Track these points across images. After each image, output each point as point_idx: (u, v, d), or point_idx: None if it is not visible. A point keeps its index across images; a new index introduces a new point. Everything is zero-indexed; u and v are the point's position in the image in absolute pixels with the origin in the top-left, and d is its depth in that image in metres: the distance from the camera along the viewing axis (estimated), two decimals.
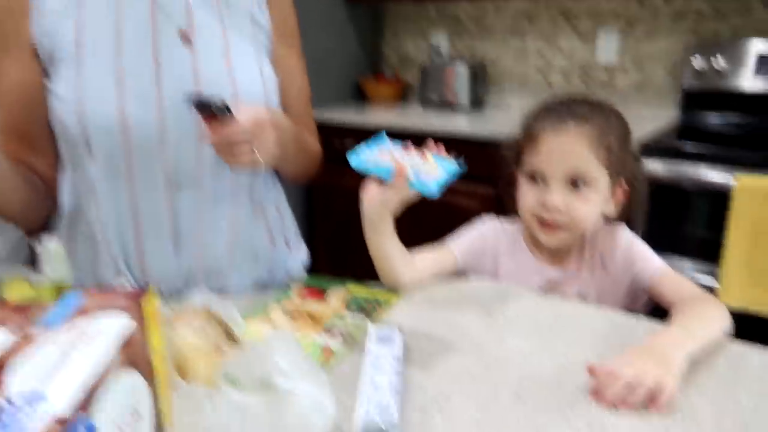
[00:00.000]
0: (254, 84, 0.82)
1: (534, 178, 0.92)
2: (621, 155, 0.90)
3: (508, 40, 2.59)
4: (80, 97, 0.74)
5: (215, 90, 0.77)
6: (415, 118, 2.38)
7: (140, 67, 0.76)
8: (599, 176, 0.88)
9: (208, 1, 0.81)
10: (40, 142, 0.81)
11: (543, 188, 0.91)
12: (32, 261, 0.86)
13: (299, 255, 1.02)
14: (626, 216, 0.97)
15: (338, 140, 2.23)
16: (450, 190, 2.45)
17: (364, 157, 0.76)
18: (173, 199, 0.80)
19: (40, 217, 0.85)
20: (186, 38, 0.78)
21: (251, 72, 0.82)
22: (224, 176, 0.83)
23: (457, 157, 0.82)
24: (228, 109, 0.68)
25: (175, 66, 0.77)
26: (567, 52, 2.45)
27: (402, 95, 2.86)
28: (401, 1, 2.72)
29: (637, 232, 0.98)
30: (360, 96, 2.86)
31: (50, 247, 0.81)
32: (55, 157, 0.83)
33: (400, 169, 0.74)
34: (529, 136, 0.93)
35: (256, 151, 0.72)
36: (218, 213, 0.84)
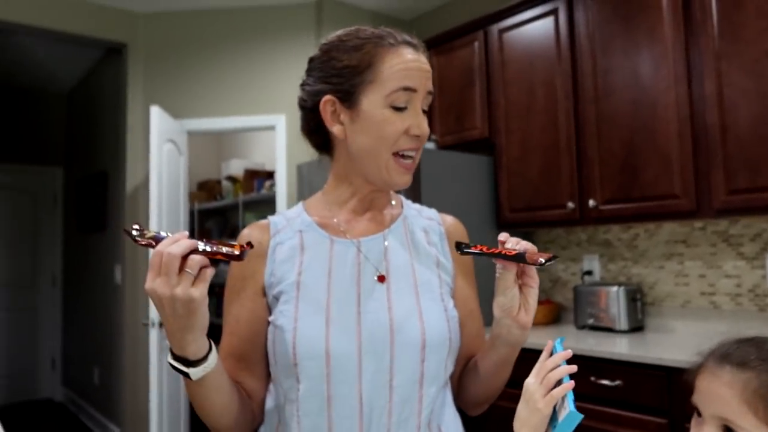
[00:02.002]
0: (439, 321, 0.91)
1: (698, 412, 0.88)
2: None
3: (663, 262, 2.57)
4: (295, 328, 0.88)
5: (405, 324, 0.88)
6: (572, 340, 2.34)
7: (345, 305, 0.89)
8: None
9: (402, 248, 0.97)
10: (254, 365, 0.95)
11: (700, 425, 0.85)
12: None
13: None
14: None
15: None
16: (616, 419, 2.28)
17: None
18: (362, 426, 0.86)
19: (240, 429, 0.94)
20: (382, 279, 0.92)
21: (437, 308, 0.93)
22: (411, 409, 0.88)
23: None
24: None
25: (371, 303, 0.90)
26: (732, 275, 2.36)
27: (555, 317, 2.85)
28: (552, 227, 2.87)
29: None
30: None
31: None
32: (264, 379, 0.96)
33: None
34: (695, 370, 0.91)
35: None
36: None
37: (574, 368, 0.78)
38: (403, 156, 0.91)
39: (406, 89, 0.88)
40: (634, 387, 2.01)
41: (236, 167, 5.04)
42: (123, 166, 3.81)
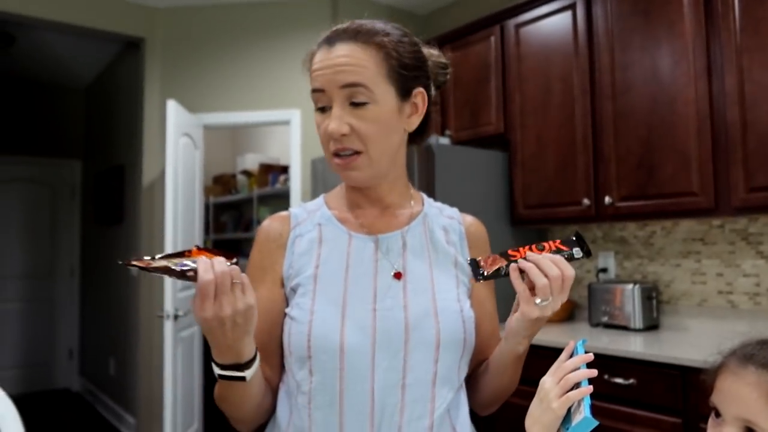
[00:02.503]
0: (455, 321, 0.91)
1: (716, 413, 0.87)
2: None
3: (680, 260, 2.54)
4: (311, 321, 0.88)
5: (420, 323, 0.88)
6: (586, 337, 2.32)
7: (361, 301, 0.90)
8: None
9: (420, 246, 0.97)
10: (271, 355, 0.95)
11: (720, 426, 0.84)
12: None
13: None
14: None
15: None
16: (630, 418, 2.27)
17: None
18: (374, 422, 0.87)
19: (260, 417, 0.95)
20: (398, 277, 0.93)
21: (453, 308, 0.92)
22: (424, 409, 0.88)
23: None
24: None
25: (387, 300, 0.90)
26: (751, 274, 2.32)
27: (569, 315, 2.84)
28: (567, 224, 2.85)
29: None
30: None
31: None
32: (279, 369, 0.97)
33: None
34: (715, 370, 0.89)
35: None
36: None
37: (594, 372, 0.77)
38: (339, 156, 0.91)
39: (314, 92, 0.90)
40: (648, 386, 1.99)
41: (251, 161, 5.07)
42: (140, 160, 3.85)
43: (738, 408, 0.81)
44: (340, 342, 0.86)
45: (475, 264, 0.87)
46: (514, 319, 0.87)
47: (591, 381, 0.77)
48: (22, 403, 4.89)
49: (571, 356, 0.82)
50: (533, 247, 0.86)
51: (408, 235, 0.96)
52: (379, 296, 0.90)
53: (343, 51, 0.88)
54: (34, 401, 5.04)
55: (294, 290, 0.93)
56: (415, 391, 0.87)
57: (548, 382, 0.79)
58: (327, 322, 0.88)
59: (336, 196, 1.03)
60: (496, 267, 0.84)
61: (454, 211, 1.05)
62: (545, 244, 0.86)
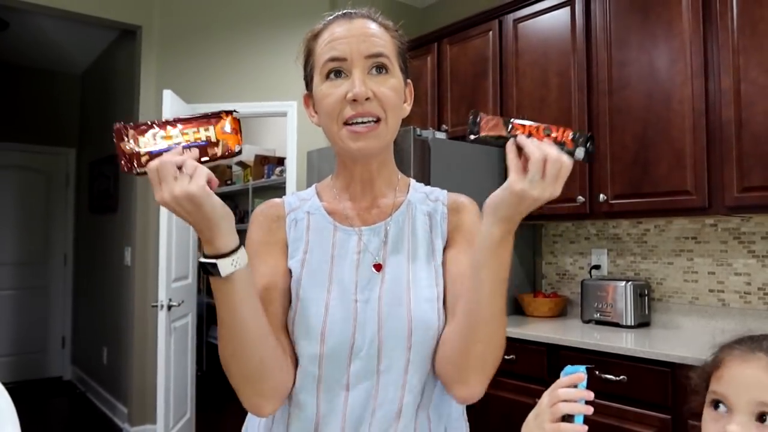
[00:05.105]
0: (429, 311, 0.92)
1: (716, 406, 0.87)
2: None
3: (672, 258, 2.55)
4: (296, 307, 0.92)
5: (393, 313, 0.89)
6: (577, 333, 2.34)
7: (344, 293, 0.92)
8: None
9: (401, 237, 0.98)
10: (277, 329, 0.92)
11: (725, 417, 0.85)
12: None
13: None
14: None
15: None
16: (620, 414, 2.29)
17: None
18: (347, 404, 0.89)
19: (267, 380, 0.87)
20: (378, 268, 0.95)
21: (426, 295, 0.93)
22: (395, 394, 0.90)
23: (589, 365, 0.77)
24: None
25: (366, 292, 0.93)
26: (743, 273, 2.34)
27: (561, 311, 2.85)
28: (561, 221, 2.86)
29: None
30: (517, 311, 2.90)
31: None
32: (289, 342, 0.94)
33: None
34: (715, 361, 0.90)
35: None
36: (387, 422, 0.90)
37: (590, 410, 0.75)
38: (353, 124, 0.89)
39: (332, 60, 0.90)
40: (639, 382, 2.01)
41: (247, 153, 5.05)
42: None
43: (752, 392, 0.81)
44: (321, 330, 0.89)
45: (474, 118, 0.80)
46: (497, 191, 0.81)
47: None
48: (13, 391, 4.87)
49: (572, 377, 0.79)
50: (540, 128, 0.79)
51: (390, 226, 0.97)
52: (360, 288, 0.92)
53: (366, 24, 0.92)
54: (26, 389, 5.03)
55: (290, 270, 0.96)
56: (388, 377, 0.89)
57: (545, 403, 0.78)
58: (311, 310, 0.90)
59: (327, 186, 1.03)
60: (495, 134, 0.79)
61: (441, 193, 1.05)
62: (553, 129, 0.79)
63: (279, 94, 3.59)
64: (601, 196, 2.44)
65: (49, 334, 5.45)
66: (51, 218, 5.50)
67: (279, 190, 4.39)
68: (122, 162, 0.80)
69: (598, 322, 2.54)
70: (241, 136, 0.83)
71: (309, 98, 0.99)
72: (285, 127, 3.72)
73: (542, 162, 0.76)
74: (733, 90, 2.08)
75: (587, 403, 0.76)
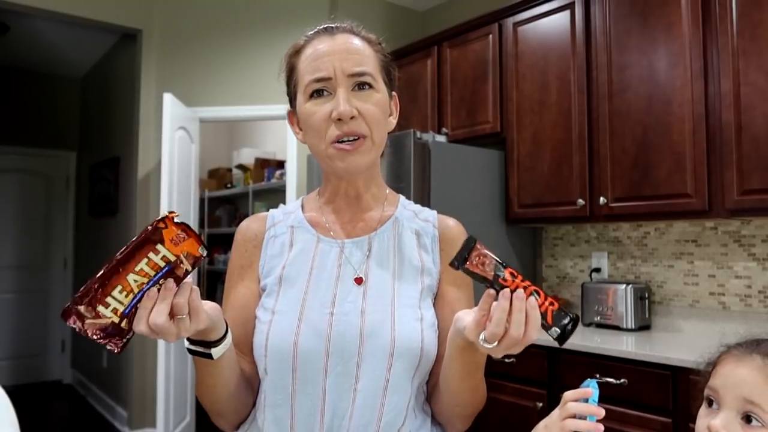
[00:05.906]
0: (412, 330, 0.89)
1: (710, 403, 0.88)
2: None
3: (673, 261, 2.55)
4: (271, 321, 0.90)
5: (376, 330, 0.87)
6: (578, 337, 2.33)
7: (320, 305, 0.90)
8: None
9: (386, 252, 0.95)
10: (250, 351, 0.94)
11: (714, 413, 0.85)
12: None
13: None
14: None
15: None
16: (621, 418, 2.28)
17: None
18: (323, 425, 0.86)
19: (237, 411, 0.94)
20: (359, 282, 0.92)
21: (411, 315, 0.90)
22: (372, 415, 0.87)
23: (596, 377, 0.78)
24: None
25: (346, 305, 0.90)
26: (743, 276, 2.34)
27: None
28: (561, 224, 2.86)
29: None
30: None
31: None
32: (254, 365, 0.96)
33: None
34: (714, 360, 0.91)
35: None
36: None
37: (599, 428, 0.75)
38: (339, 142, 0.89)
39: (317, 81, 0.90)
40: (639, 386, 2.00)
41: (247, 156, 5.06)
42: (135, 152, 3.83)
43: (739, 389, 0.82)
44: (293, 344, 0.87)
45: (467, 245, 0.75)
46: (467, 314, 0.77)
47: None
48: (13, 395, 4.87)
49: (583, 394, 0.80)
50: (530, 288, 0.73)
51: (375, 241, 0.96)
52: (338, 301, 0.90)
53: (349, 39, 0.92)
54: (25, 393, 5.03)
55: (263, 290, 0.95)
56: (365, 397, 0.86)
57: (556, 414, 0.79)
58: (284, 323, 0.89)
59: (312, 199, 1.03)
60: (480, 275, 0.74)
61: (431, 214, 1.02)
62: (541, 295, 0.74)
63: (279, 97, 3.58)
64: (602, 198, 2.44)
65: (48, 338, 5.45)
66: (51, 222, 5.51)
67: (279, 193, 4.39)
68: (106, 342, 0.69)
69: (599, 326, 2.54)
70: (195, 234, 0.71)
71: (293, 115, 0.99)
72: (285, 130, 3.73)
73: (497, 337, 0.72)
74: (732, 93, 2.09)
75: (599, 421, 0.76)
